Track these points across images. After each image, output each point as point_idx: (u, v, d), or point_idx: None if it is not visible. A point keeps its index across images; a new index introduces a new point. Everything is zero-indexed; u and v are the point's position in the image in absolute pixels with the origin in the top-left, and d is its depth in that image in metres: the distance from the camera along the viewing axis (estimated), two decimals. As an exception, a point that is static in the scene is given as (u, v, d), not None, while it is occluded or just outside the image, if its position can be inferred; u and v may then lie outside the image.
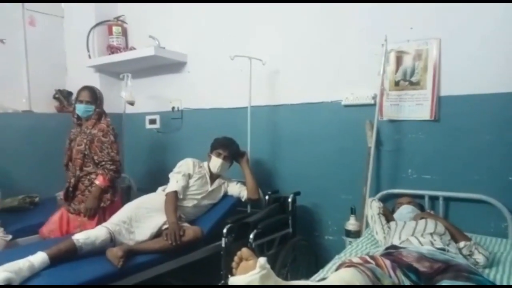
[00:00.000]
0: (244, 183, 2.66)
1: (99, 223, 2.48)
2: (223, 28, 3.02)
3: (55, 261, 1.85)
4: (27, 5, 3.48)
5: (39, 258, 1.80)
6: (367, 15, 2.37)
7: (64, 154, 2.68)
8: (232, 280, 1.07)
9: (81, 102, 2.60)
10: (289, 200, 2.47)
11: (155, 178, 3.42)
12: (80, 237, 1.98)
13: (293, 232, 2.49)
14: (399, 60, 2.29)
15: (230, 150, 2.57)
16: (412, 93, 2.25)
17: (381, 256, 1.42)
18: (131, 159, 3.67)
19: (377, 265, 1.32)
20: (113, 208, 2.57)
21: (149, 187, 2.93)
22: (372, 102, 2.35)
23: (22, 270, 1.68)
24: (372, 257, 1.37)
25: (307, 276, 1.38)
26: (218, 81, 3.08)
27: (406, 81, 2.27)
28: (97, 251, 2.02)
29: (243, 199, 2.63)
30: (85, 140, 2.55)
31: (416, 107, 2.24)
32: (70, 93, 3.70)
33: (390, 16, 2.29)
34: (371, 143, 2.26)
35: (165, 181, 2.64)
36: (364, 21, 2.38)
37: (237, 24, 2.94)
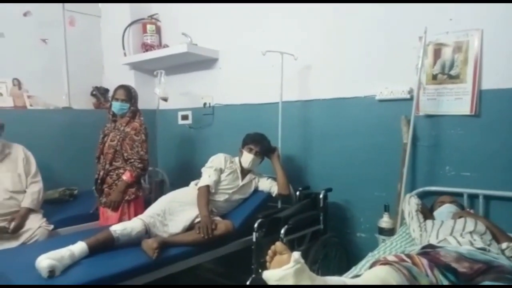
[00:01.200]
0: (274, 179, 2.66)
1: (122, 216, 2.60)
2: (255, 24, 3.02)
3: (94, 250, 1.93)
4: (67, 5, 3.63)
5: (79, 247, 1.88)
6: (403, 6, 2.29)
7: (97, 147, 2.79)
8: (266, 274, 1.07)
9: (116, 100, 2.69)
10: (321, 196, 2.45)
11: (187, 173, 3.49)
12: (117, 228, 2.06)
13: (324, 228, 2.46)
14: (437, 53, 2.21)
15: (262, 145, 2.58)
16: (451, 87, 2.16)
17: (418, 255, 1.37)
18: (164, 154, 3.75)
19: (414, 263, 1.28)
20: (137, 203, 2.69)
21: (181, 182, 2.99)
22: (408, 96, 2.28)
23: (64, 258, 1.76)
24: (408, 256, 1.34)
25: (338, 273, 1.37)
26: (249, 77, 3.08)
27: (445, 75, 2.19)
28: (133, 242, 2.08)
29: (273, 195, 2.64)
30: (118, 137, 2.64)
31: (455, 101, 2.15)
32: (106, 90, 3.83)
33: (428, 7, 2.20)
34: (407, 139, 2.20)
35: (196, 175, 2.69)
36: (401, 12, 2.31)
37: (269, 20, 2.93)
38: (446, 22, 2.15)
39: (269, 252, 1.11)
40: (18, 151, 2.63)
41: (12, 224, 2.40)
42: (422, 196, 2.23)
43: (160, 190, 3.34)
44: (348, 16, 2.53)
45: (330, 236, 2.46)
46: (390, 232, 2.23)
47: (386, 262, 1.26)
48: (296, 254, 1.05)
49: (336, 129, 2.63)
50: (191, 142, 3.60)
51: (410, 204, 2.05)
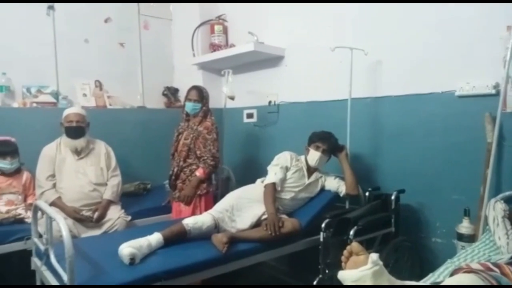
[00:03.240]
0: (342, 178, 2.60)
1: (194, 210, 2.71)
2: (322, 20, 2.97)
3: (168, 242, 2.03)
4: (142, 10, 3.86)
5: (156, 238, 2.00)
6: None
7: (172, 145, 2.93)
8: (342, 274, 1.04)
9: (189, 100, 2.82)
10: (392, 197, 2.34)
11: (252, 170, 3.54)
12: (189, 222, 2.15)
13: (395, 231, 2.35)
14: (528, 43, 1.99)
15: (329, 143, 2.53)
16: (545, 81, 1.94)
17: (507, 264, 1.26)
18: (229, 151, 3.85)
19: (503, 273, 1.17)
20: (208, 198, 2.80)
21: (246, 179, 3.04)
22: (493, 92, 2.09)
23: (142, 247, 1.88)
24: (495, 265, 1.23)
25: (410, 280, 1.30)
26: (315, 74, 3.04)
27: (538, 67, 1.97)
28: (203, 236, 2.16)
29: (341, 194, 2.58)
30: (191, 135, 2.77)
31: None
32: (176, 90, 4.02)
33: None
34: (492, 138, 2.02)
35: (261, 173, 2.72)
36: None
37: (336, 15, 2.87)
38: (540, 8, 1.94)
39: (345, 252, 1.08)
40: (101, 147, 2.86)
41: (96, 214, 2.61)
42: (508, 200, 2.03)
43: (226, 186, 3.42)
44: (422, 7, 2.38)
45: (402, 240, 2.35)
46: (471, 238, 2.07)
47: (470, 270, 1.16)
48: (374, 256, 1.02)
49: (410, 127, 2.49)
50: (256, 140, 3.64)
51: (495, 210, 1.88)
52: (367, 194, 2.49)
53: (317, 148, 2.54)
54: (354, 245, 1.06)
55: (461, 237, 2.11)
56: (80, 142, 2.70)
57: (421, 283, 1.43)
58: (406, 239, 2.38)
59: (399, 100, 2.54)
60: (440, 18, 2.31)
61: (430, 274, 1.59)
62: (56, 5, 3.35)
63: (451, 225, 2.20)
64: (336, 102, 2.83)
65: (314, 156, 2.54)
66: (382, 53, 2.59)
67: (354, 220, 2.13)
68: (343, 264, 1.10)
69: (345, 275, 1.03)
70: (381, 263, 1.01)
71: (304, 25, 3.12)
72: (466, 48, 2.21)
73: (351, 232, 2.08)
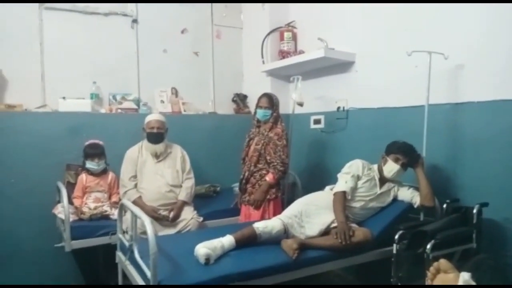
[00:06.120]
0: (416, 188, 2.48)
1: (263, 214, 2.77)
2: (396, 23, 2.87)
3: (239, 244, 2.09)
4: (215, 20, 4.05)
5: (228, 240, 2.06)
6: None
7: (243, 150, 3.02)
8: (428, 293, 1.00)
9: (260, 107, 2.90)
10: (474, 211, 2.18)
11: (317, 177, 3.52)
12: (260, 226, 2.19)
13: (477, 248, 2.19)
14: None
15: (410, 157, 2.43)
16: None
17: None
18: (296, 157, 3.84)
19: None
20: (276, 203, 2.85)
21: (312, 185, 3.02)
22: None
23: (216, 248, 1.96)
24: None
25: None
26: (388, 79, 2.94)
27: None
28: (272, 241, 2.19)
29: (415, 206, 2.46)
30: (262, 141, 2.84)
31: None
32: (245, 96, 4.13)
33: None
34: None
35: (327, 180, 2.68)
36: None
37: (412, 19, 2.75)
38: None
39: (431, 269, 1.04)
40: (177, 151, 3.04)
41: (172, 214, 2.78)
42: None
43: (292, 192, 3.44)
44: (509, 6, 2.20)
45: (485, 257, 2.17)
46: None
47: None
48: (466, 275, 0.96)
49: (495, 136, 2.30)
50: (322, 146, 3.61)
51: None
52: (444, 206, 2.34)
53: (396, 160, 2.45)
54: (443, 262, 1.01)
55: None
56: (159, 147, 2.90)
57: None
58: (489, 257, 2.20)
59: (482, 106, 2.36)
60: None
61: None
62: (140, 18, 3.63)
63: (544, 245, 2.00)
64: (410, 109, 2.71)
65: (392, 168, 2.46)
66: (465, 57, 2.42)
67: (432, 233, 2.02)
68: (427, 281, 1.05)
69: (432, 295, 0.99)
70: (474, 283, 0.96)
71: (376, 29, 3.03)
72: None
73: (428, 246, 1.98)
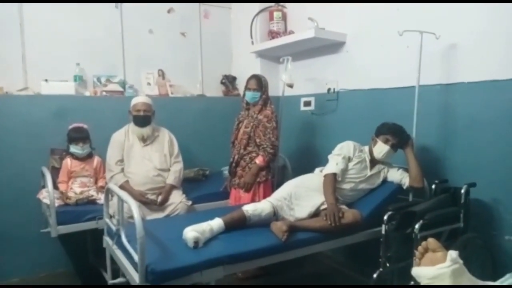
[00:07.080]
0: (406, 170, 2.48)
1: (253, 196, 2.75)
2: (387, 3, 2.81)
3: (229, 227, 2.08)
4: (202, -1, 3.94)
5: (217, 223, 2.05)
6: None
7: (232, 133, 2.98)
8: (417, 271, 0.99)
9: (249, 89, 2.85)
10: (462, 191, 2.20)
11: (308, 159, 3.50)
12: (249, 208, 2.18)
13: (464, 227, 2.21)
14: None
15: (400, 138, 2.42)
16: None
17: None
18: (286, 140, 3.82)
19: None
20: (266, 185, 2.84)
21: (302, 167, 3.00)
22: None
23: (205, 231, 1.95)
24: None
25: (481, 280, 1.20)
26: (379, 60, 2.90)
27: None
28: (262, 223, 2.18)
29: (404, 187, 2.47)
30: (251, 124, 2.80)
31: None
32: (234, 78, 4.06)
33: None
34: None
35: (317, 162, 2.67)
36: None
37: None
38: None
39: (420, 248, 1.03)
40: (164, 134, 2.99)
41: (160, 198, 2.75)
42: None
43: (282, 174, 3.42)
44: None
45: (472, 236, 2.20)
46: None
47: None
48: (454, 253, 0.96)
49: (486, 117, 2.29)
50: (313, 128, 3.58)
51: None
52: (433, 187, 2.35)
53: (386, 141, 2.44)
54: (431, 241, 1.00)
55: (542, 237, 1.93)
56: (146, 130, 2.84)
57: (497, 283, 1.32)
58: (477, 236, 2.23)
59: (474, 87, 2.34)
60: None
61: (508, 275, 1.46)
62: (124, -3, 3.51)
63: (530, 224, 2.02)
64: (401, 90, 2.70)
65: (382, 148, 2.45)
66: (457, 36, 2.39)
67: (420, 214, 2.03)
68: (416, 260, 1.04)
69: (421, 272, 0.98)
70: (461, 261, 0.95)
71: (367, 9, 2.97)
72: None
73: (417, 226, 1.99)
